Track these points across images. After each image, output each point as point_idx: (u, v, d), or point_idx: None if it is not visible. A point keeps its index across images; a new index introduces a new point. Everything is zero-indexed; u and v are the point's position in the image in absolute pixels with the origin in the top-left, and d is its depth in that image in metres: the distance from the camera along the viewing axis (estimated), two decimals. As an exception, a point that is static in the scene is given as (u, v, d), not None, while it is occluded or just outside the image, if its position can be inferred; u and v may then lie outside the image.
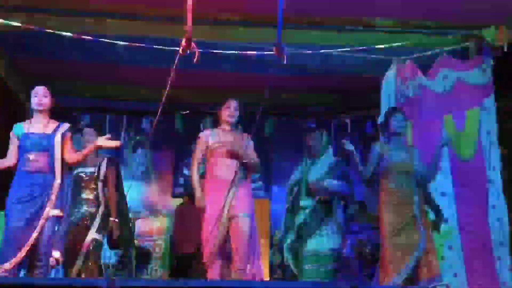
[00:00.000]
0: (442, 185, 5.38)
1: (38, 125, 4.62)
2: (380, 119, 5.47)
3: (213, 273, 4.92)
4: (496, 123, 5.46)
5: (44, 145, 4.55)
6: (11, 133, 4.63)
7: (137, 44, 5.48)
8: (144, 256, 7.19)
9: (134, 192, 7.47)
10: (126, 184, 5.90)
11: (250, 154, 5.10)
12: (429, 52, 5.72)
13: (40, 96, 4.64)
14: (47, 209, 4.44)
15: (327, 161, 5.74)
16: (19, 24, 5.27)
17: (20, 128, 4.62)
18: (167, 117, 7.80)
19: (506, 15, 5.25)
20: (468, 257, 5.24)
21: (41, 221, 4.41)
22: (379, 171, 5.00)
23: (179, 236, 7.21)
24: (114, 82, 6.88)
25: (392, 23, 5.57)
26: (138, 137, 7.86)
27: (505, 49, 5.34)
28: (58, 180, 4.53)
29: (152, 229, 7.54)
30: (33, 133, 4.57)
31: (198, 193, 5.01)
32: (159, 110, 4.70)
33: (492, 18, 5.37)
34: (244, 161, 5.03)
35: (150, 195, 7.77)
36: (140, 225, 7.09)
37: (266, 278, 7.23)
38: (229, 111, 5.12)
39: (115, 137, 7.67)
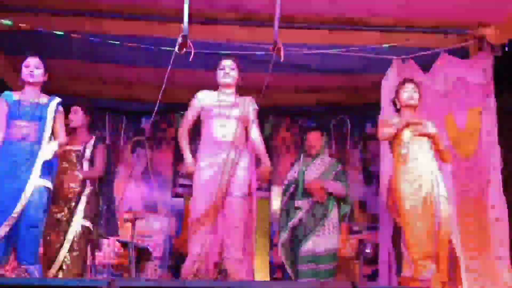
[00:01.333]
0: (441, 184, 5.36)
1: (30, 95, 4.38)
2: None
3: (196, 248, 4.43)
4: (497, 122, 5.45)
5: (37, 114, 4.31)
6: None
7: (136, 44, 5.50)
8: (144, 256, 7.17)
9: (134, 192, 7.47)
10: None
11: (251, 118, 4.65)
12: (430, 52, 5.71)
13: (32, 67, 4.38)
14: (33, 176, 4.17)
15: (324, 162, 5.75)
16: (18, 24, 5.28)
17: (10, 95, 4.39)
18: (166, 116, 7.80)
19: (506, 14, 5.23)
20: (468, 256, 5.23)
21: (27, 190, 4.13)
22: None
23: (183, 236, 7.22)
24: (113, 82, 6.87)
25: (392, 22, 5.55)
26: (137, 137, 7.84)
27: (506, 48, 5.32)
28: (44, 150, 4.26)
29: (152, 229, 7.53)
30: (25, 100, 4.34)
31: (187, 157, 4.59)
32: (155, 108, 4.66)
33: (493, 17, 5.36)
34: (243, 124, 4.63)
35: (150, 195, 7.75)
36: (140, 225, 7.06)
37: (266, 278, 7.23)
38: (223, 71, 4.67)
39: (114, 137, 7.79)
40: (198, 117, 4.74)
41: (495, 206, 5.26)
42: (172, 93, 6.61)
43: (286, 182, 5.83)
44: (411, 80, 4.97)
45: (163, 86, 4.41)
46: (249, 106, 4.70)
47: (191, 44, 4.30)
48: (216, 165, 4.47)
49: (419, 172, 4.61)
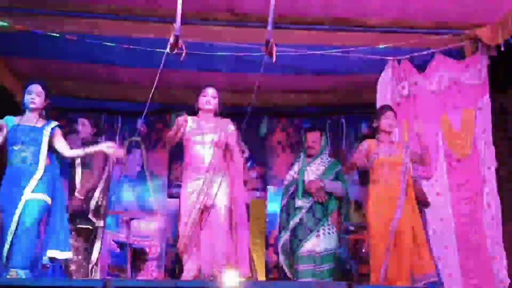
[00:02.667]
0: (437, 185, 5.37)
1: (29, 120, 4.55)
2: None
3: (189, 265, 4.70)
4: (491, 122, 5.46)
5: (33, 137, 4.47)
6: None
7: (131, 46, 5.50)
8: (140, 256, 7.17)
9: (130, 192, 7.46)
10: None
11: (230, 141, 4.83)
12: (425, 52, 5.72)
13: (33, 95, 4.55)
14: (26, 192, 4.35)
15: (324, 162, 5.74)
16: (14, 26, 5.28)
17: (11, 120, 4.55)
18: (162, 117, 7.79)
19: (501, 15, 5.24)
20: (463, 256, 5.24)
21: (20, 205, 4.31)
22: (367, 167, 5.02)
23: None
24: (109, 82, 6.86)
25: (387, 23, 5.56)
26: (133, 138, 7.83)
27: (502, 49, 5.32)
28: (40, 171, 4.43)
29: (148, 229, 7.53)
30: (23, 125, 4.50)
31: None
32: (146, 108, 4.68)
33: (488, 18, 5.36)
34: (221, 148, 4.81)
35: (145, 195, 7.74)
36: (136, 226, 7.06)
37: (262, 278, 7.23)
38: (206, 98, 4.90)
39: (110, 137, 7.77)
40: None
41: (491, 206, 5.27)
42: (168, 94, 6.62)
43: (286, 182, 5.83)
44: (390, 108, 5.13)
45: (154, 87, 4.42)
46: (226, 129, 4.86)
47: (182, 44, 4.31)
48: (196, 191, 4.71)
49: (389, 197, 4.78)
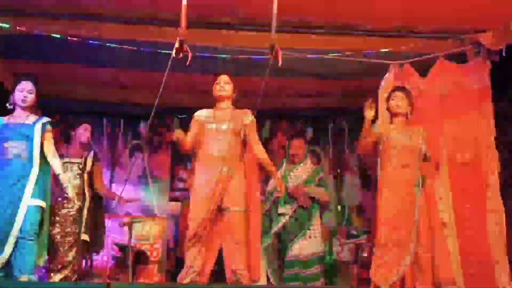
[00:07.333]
0: (439, 189, 5.37)
1: (19, 117, 4.53)
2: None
3: (191, 257, 4.55)
4: (494, 127, 5.45)
5: (24, 133, 4.43)
6: None
7: (134, 48, 5.50)
8: (141, 259, 7.16)
9: (131, 196, 7.46)
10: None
11: (249, 132, 4.77)
12: (427, 56, 5.72)
13: (25, 92, 4.53)
14: (26, 197, 4.31)
15: (307, 168, 5.79)
16: (16, 27, 5.28)
17: (0, 119, 4.53)
18: (164, 121, 7.79)
19: (503, 19, 5.25)
20: (466, 261, 5.22)
21: (21, 211, 4.27)
22: (378, 151, 4.86)
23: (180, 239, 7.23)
24: (111, 85, 6.87)
25: (390, 27, 5.56)
26: (135, 141, 7.84)
27: (503, 54, 5.33)
28: (36, 168, 4.41)
29: (149, 232, 7.52)
30: (13, 123, 4.48)
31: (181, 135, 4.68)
32: (152, 112, 4.67)
33: (490, 23, 5.37)
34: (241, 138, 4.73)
35: (147, 199, 7.74)
36: (137, 229, 7.06)
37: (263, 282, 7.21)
38: (219, 85, 4.83)
39: (113, 141, 7.78)
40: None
41: (494, 211, 5.25)
42: (170, 97, 6.61)
43: (268, 188, 5.87)
44: (401, 88, 5.03)
45: (160, 91, 4.42)
46: (244, 119, 4.78)
47: (188, 48, 4.32)
48: (210, 182, 4.57)
49: (405, 181, 4.68)
